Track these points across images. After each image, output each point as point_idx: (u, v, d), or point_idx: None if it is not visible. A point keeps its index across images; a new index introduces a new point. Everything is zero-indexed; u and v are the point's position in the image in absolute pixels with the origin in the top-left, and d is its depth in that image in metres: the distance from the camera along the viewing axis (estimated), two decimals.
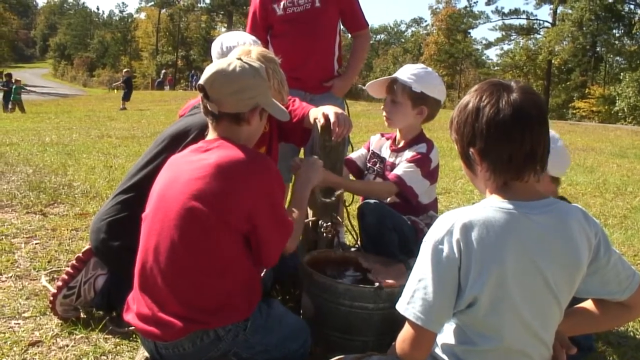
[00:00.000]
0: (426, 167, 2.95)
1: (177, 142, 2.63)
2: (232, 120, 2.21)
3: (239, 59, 2.23)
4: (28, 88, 24.05)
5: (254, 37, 3.11)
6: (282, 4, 3.78)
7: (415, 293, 1.60)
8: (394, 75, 3.04)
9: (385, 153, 3.17)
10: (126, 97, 23.72)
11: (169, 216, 2.11)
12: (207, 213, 2.06)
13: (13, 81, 23.59)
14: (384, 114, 3.08)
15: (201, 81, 2.22)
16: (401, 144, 3.10)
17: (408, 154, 3.00)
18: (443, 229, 1.58)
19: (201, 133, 2.51)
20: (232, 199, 2.07)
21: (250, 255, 2.18)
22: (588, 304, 1.84)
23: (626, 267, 1.74)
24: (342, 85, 3.89)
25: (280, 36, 3.84)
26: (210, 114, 2.21)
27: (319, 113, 2.78)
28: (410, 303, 1.60)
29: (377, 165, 3.17)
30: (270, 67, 2.56)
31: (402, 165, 2.95)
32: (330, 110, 2.74)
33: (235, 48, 2.81)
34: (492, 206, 1.61)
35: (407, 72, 3.00)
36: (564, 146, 2.51)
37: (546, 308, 1.63)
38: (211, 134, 2.27)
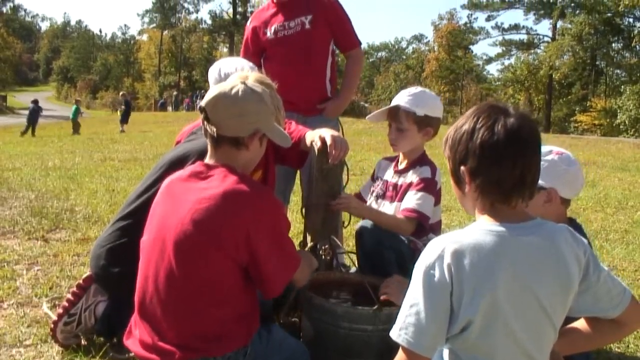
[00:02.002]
0: (435, 191, 2.98)
1: (175, 168, 2.64)
2: (231, 144, 2.22)
3: (243, 83, 2.24)
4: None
5: (251, 64, 3.13)
6: (273, 27, 3.82)
7: (408, 319, 1.60)
8: (394, 103, 3.04)
9: (388, 175, 3.19)
10: (124, 120, 24.02)
11: (168, 245, 2.11)
12: (205, 242, 2.06)
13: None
14: (390, 141, 3.10)
15: (203, 103, 2.22)
16: (404, 165, 3.12)
17: (412, 176, 3.01)
18: (434, 254, 1.59)
19: (200, 159, 2.52)
20: (229, 227, 2.07)
21: (249, 284, 2.18)
22: (580, 323, 1.85)
23: (616, 283, 1.75)
24: (335, 107, 3.90)
25: (272, 59, 3.87)
26: (210, 136, 2.23)
27: (316, 136, 2.80)
28: (402, 329, 1.60)
29: (379, 187, 3.19)
30: (268, 92, 2.58)
31: (413, 197, 2.94)
32: (327, 133, 2.76)
33: (233, 74, 2.83)
34: (481, 229, 1.62)
35: (406, 98, 3.01)
36: (579, 168, 2.48)
37: (540, 329, 1.63)
38: (210, 158, 2.28)
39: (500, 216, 1.64)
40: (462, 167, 1.66)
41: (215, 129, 2.18)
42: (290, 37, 3.79)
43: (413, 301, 1.60)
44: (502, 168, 1.60)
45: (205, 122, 2.22)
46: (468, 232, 1.63)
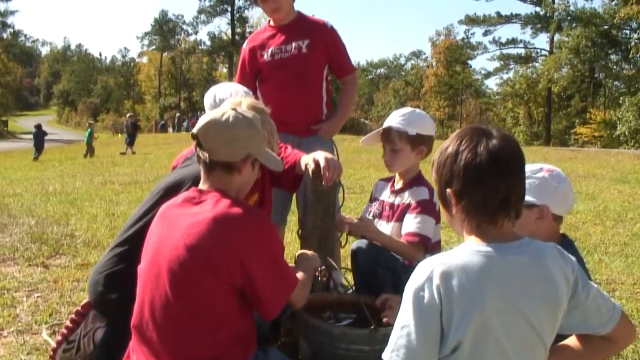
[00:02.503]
0: (434, 212, 3.02)
1: (171, 194, 2.67)
2: (223, 170, 2.25)
3: (234, 109, 2.28)
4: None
5: (245, 89, 3.17)
6: (270, 50, 3.87)
7: (399, 340, 1.62)
8: (386, 125, 3.11)
9: (385, 195, 3.23)
10: (131, 142, 24.18)
11: (162, 270, 2.13)
12: (199, 267, 2.08)
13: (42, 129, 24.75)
14: (386, 162, 3.15)
15: (195, 130, 2.26)
16: (400, 184, 3.16)
17: (409, 197, 3.06)
18: (423, 276, 1.61)
19: (195, 184, 2.55)
20: (222, 252, 2.09)
21: (245, 307, 2.19)
22: (572, 340, 1.87)
23: (606, 300, 1.77)
24: (330, 128, 3.93)
25: (268, 81, 3.91)
26: (202, 162, 2.27)
27: (310, 159, 2.84)
28: (394, 351, 1.62)
29: (376, 207, 3.22)
30: (260, 118, 2.62)
31: (412, 220, 2.98)
32: (321, 156, 2.80)
33: (227, 100, 2.88)
34: (469, 250, 1.65)
35: (397, 119, 3.08)
36: (570, 185, 2.51)
37: (530, 347, 1.65)
38: (203, 183, 2.31)
39: (487, 236, 1.66)
40: (448, 190, 1.69)
41: (207, 155, 2.22)
42: (287, 60, 3.84)
43: (404, 323, 1.62)
44: (486, 189, 1.63)
45: (198, 149, 2.25)
46: (456, 253, 1.66)
